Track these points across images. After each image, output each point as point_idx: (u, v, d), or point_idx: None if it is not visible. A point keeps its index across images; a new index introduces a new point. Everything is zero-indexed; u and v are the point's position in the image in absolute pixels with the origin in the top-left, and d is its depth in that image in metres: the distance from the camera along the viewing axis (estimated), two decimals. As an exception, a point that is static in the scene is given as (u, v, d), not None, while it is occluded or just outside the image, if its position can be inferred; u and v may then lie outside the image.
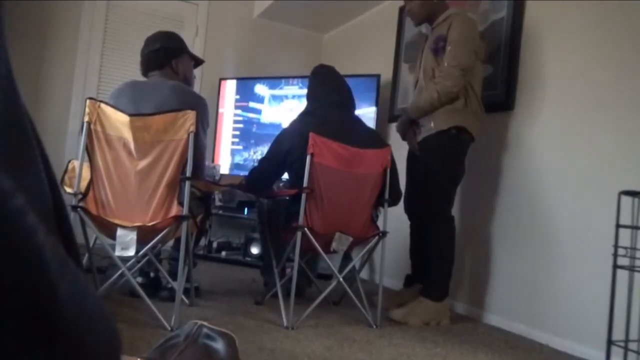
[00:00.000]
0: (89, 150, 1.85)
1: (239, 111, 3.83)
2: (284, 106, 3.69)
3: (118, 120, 1.84)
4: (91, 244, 2.05)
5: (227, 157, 3.85)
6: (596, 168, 2.04)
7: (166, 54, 2.24)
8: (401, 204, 2.48)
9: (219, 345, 0.97)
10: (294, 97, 3.67)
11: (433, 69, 2.34)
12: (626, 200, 1.58)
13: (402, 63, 3.37)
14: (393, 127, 3.40)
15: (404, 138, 2.50)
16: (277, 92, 3.73)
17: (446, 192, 2.35)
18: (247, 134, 3.79)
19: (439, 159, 2.31)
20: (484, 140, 2.48)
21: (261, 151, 3.61)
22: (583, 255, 2.05)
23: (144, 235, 1.84)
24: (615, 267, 1.55)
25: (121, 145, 1.85)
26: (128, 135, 1.83)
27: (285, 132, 2.31)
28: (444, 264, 2.32)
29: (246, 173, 2.59)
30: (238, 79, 3.88)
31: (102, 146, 1.85)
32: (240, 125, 3.82)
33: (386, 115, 3.43)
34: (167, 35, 2.33)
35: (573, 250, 2.09)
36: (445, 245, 2.33)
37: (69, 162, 2.13)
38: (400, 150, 2.57)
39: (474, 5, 2.75)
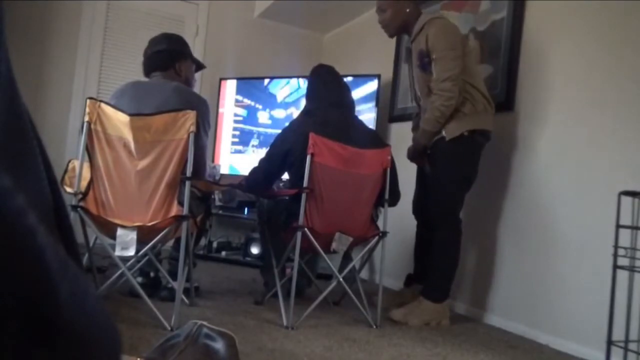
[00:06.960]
0: (89, 150, 1.85)
1: (239, 111, 3.83)
2: (284, 106, 3.69)
3: (118, 120, 1.83)
4: (91, 244, 2.05)
5: (227, 157, 3.84)
6: (596, 168, 2.04)
7: (171, 56, 2.24)
8: (407, 205, 2.48)
9: (219, 345, 0.97)
10: (293, 96, 3.67)
11: (427, 85, 2.32)
12: (626, 201, 1.58)
13: (402, 63, 3.37)
14: (393, 127, 3.42)
15: (419, 164, 2.51)
16: (277, 92, 3.73)
17: (457, 196, 2.34)
18: (247, 134, 3.79)
19: (452, 164, 2.29)
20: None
21: (261, 152, 3.61)
22: (583, 256, 2.05)
23: (144, 235, 1.84)
24: (615, 267, 1.55)
25: (121, 145, 1.85)
26: (128, 135, 1.83)
27: (285, 132, 2.30)
28: (447, 266, 2.32)
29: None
30: (238, 79, 3.88)
31: (103, 146, 1.85)
32: (241, 125, 3.82)
33: (386, 115, 3.43)
34: (172, 37, 2.32)
35: (573, 250, 2.09)
36: (450, 247, 2.32)
37: (69, 162, 2.12)
38: (400, 150, 2.56)
39: (474, 5, 2.75)
